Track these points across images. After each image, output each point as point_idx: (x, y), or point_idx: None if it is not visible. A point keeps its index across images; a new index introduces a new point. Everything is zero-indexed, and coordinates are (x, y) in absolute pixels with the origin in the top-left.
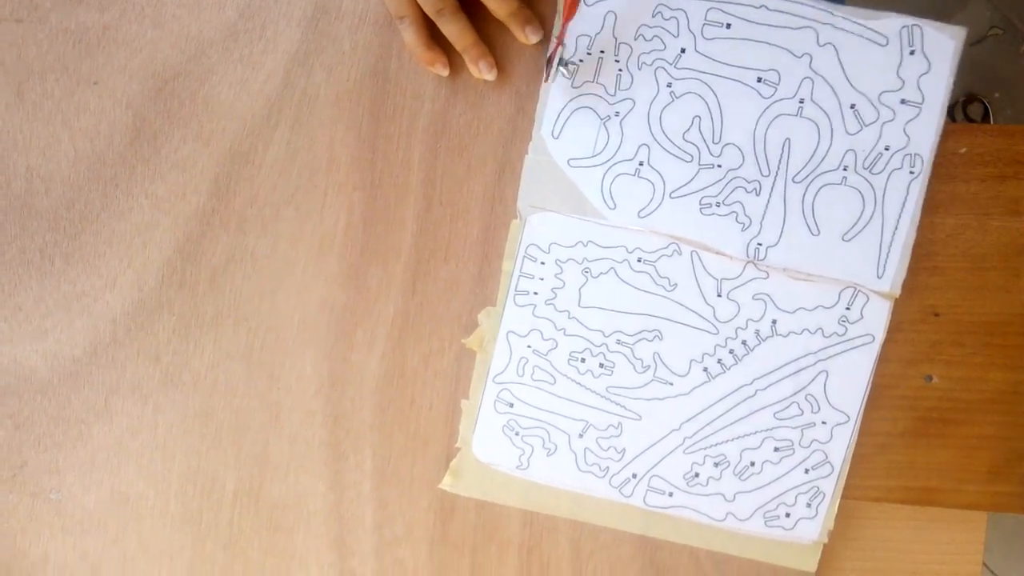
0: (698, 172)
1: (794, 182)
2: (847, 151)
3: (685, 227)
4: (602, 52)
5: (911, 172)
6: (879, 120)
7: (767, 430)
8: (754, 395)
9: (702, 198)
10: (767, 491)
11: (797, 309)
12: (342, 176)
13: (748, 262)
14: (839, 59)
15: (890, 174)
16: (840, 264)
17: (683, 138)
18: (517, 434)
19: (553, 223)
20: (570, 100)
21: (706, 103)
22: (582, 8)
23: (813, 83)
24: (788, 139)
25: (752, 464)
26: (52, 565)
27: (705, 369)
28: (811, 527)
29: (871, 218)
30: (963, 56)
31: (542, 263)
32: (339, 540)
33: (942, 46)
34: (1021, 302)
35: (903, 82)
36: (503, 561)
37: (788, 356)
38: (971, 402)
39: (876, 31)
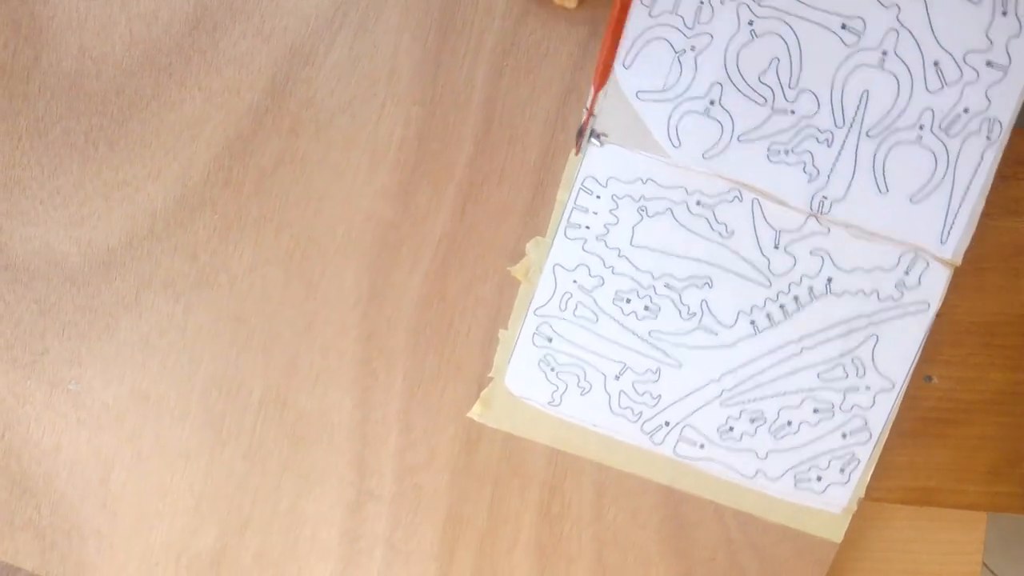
0: (770, 117)
1: (867, 136)
2: (925, 109)
3: (750, 173)
4: None
5: (988, 138)
6: (962, 80)
7: (809, 390)
8: (800, 353)
9: (771, 144)
10: (801, 452)
11: (855, 269)
12: (402, 88)
13: (810, 215)
14: (928, 13)
15: (966, 138)
16: (904, 226)
17: (759, 79)
18: (552, 370)
19: (614, 156)
20: (647, 29)
21: (787, 45)
22: None
23: (898, 35)
24: (867, 91)
25: (789, 423)
26: (64, 457)
27: (752, 322)
28: (841, 493)
29: (941, 181)
30: None
31: (597, 197)
32: (360, 459)
33: None
34: (1021, 302)
35: (991, 43)
36: (524, 497)
37: (840, 316)
38: (971, 402)
39: None
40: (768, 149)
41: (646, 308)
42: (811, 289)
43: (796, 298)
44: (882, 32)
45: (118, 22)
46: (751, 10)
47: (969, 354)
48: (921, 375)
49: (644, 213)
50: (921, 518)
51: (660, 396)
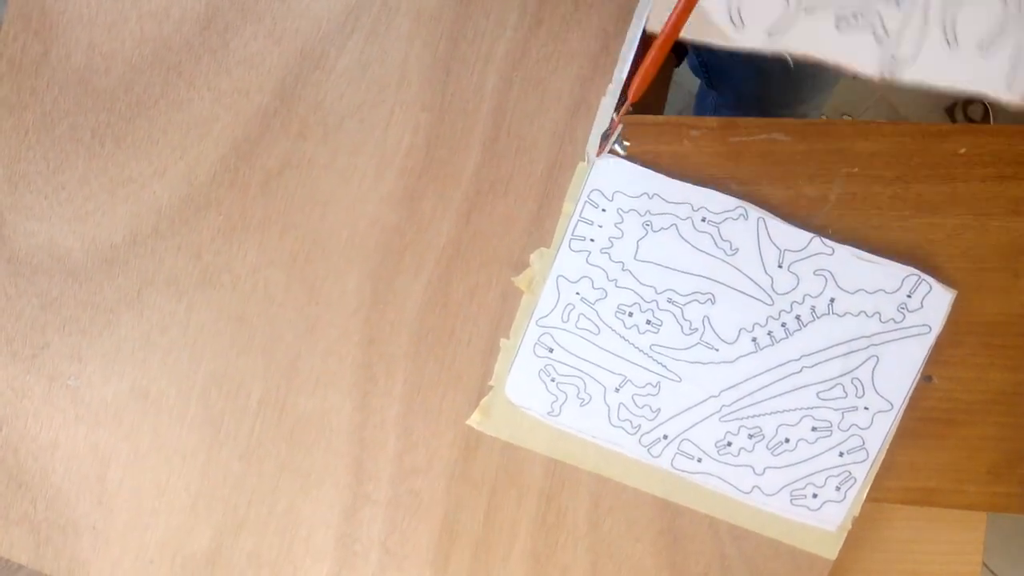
0: None
1: None
2: None
3: (819, 45)
4: None
5: None
6: None
7: (807, 408)
8: (800, 372)
9: (838, 11)
10: (798, 469)
11: (858, 290)
12: (412, 94)
13: (814, 236)
14: None
15: None
16: (975, 76)
17: None
18: (553, 380)
19: (621, 170)
20: None
21: None
22: None
23: None
24: None
25: (787, 440)
26: (61, 452)
27: (754, 339)
28: (837, 511)
29: (1005, 26)
30: None
31: (603, 210)
32: (358, 463)
33: None
34: (1021, 302)
35: None
36: (521, 505)
37: (841, 337)
38: (971, 402)
39: None
40: (836, 16)
41: (648, 322)
42: (813, 308)
43: (798, 317)
44: None
45: (129, 19)
46: None
47: (969, 354)
48: (958, 147)
49: (649, 228)
50: (921, 518)
51: (659, 409)
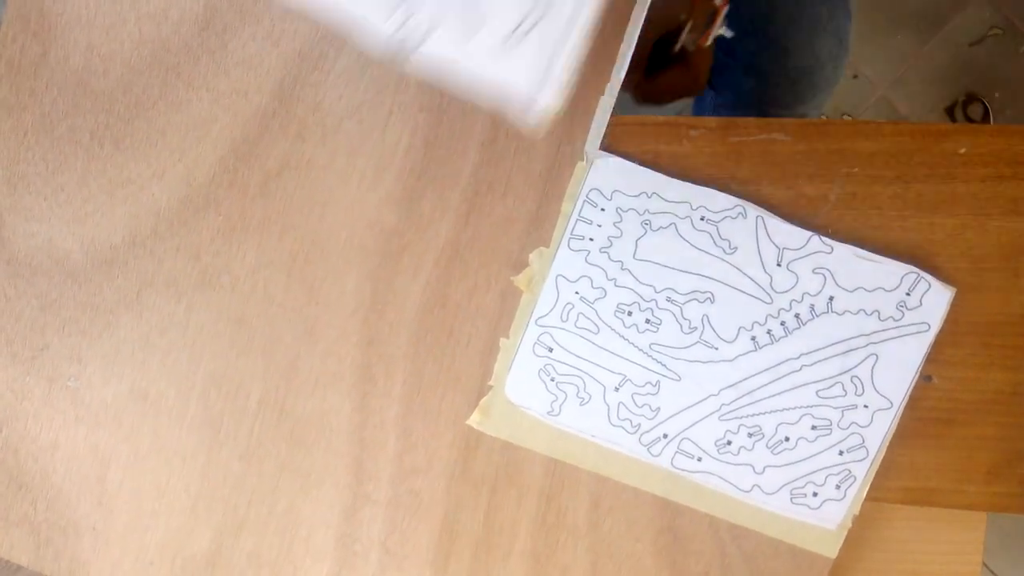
0: None
1: None
2: None
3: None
4: None
5: None
6: None
7: (807, 407)
8: (799, 370)
9: None
10: (798, 468)
11: (857, 288)
12: (410, 95)
13: (813, 235)
14: None
15: None
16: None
17: None
18: (552, 380)
19: (620, 170)
20: None
21: None
22: None
23: None
24: None
25: (787, 439)
26: (61, 453)
27: (753, 338)
28: (837, 509)
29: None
30: (963, 56)
31: (602, 209)
32: (358, 463)
33: None
34: (1021, 302)
35: None
36: (520, 505)
37: (840, 335)
38: (971, 402)
39: None
40: None
41: (647, 321)
42: (812, 307)
43: (797, 315)
44: None
45: (127, 20)
46: None
47: (969, 354)
48: (958, 147)
49: (648, 227)
50: (921, 518)
51: (659, 409)
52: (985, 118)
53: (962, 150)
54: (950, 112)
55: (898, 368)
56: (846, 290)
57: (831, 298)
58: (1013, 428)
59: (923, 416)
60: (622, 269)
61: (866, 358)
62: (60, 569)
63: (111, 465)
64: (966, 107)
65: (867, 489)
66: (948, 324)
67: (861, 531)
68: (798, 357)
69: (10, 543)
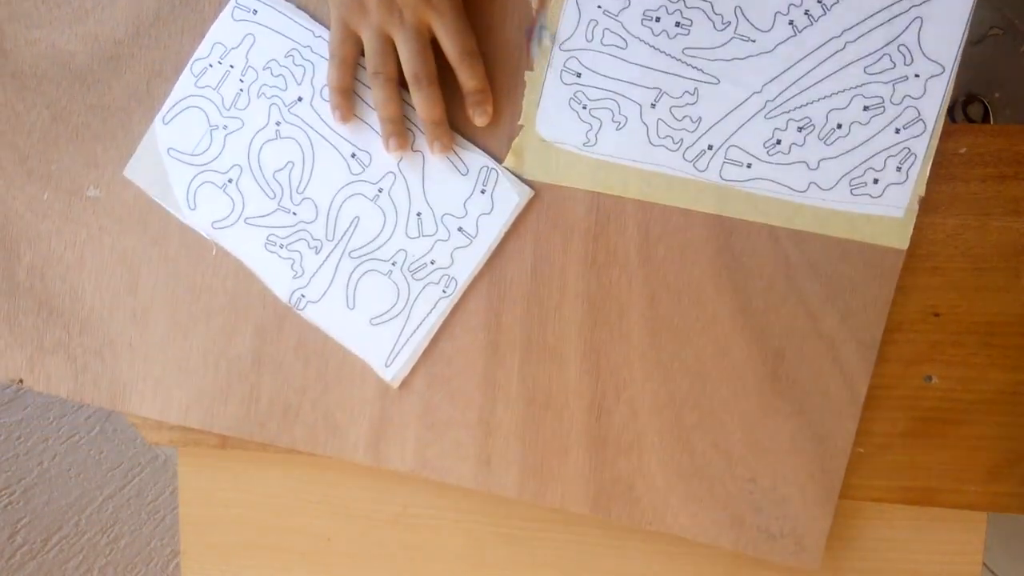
0: (275, 211)
1: (350, 256)
2: (400, 250)
3: (247, 254)
4: (231, 66)
5: (444, 291)
6: (436, 236)
7: (856, 87)
8: (843, 48)
9: (270, 235)
10: (854, 155)
11: None
12: None
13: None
14: (423, 169)
15: (426, 285)
16: (360, 342)
17: (273, 176)
18: (584, 107)
19: None
20: (188, 96)
21: (303, 155)
22: (226, 20)
23: (395, 179)
24: (358, 217)
25: (839, 126)
26: (88, 268)
27: (791, 22)
28: (901, 193)
29: (398, 314)
30: (963, 56)
31: None
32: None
33: (507, 196)
34: (1021, 302)
35: (466, 212)
36: (567, 249)
37: (881, 2)
38: (971, 402)
39: (462, 160)
40: (267, 238)
41: (677, 24)
42: None
43: None
44: (382, 172)
45: None
46: (281, 112)
47: (969, 354)
48: (958, 147)
49: None
50: (921, 518)
51: (700, 119)
52: (985, 118)
53: (962, 150)
54: (950, 112)
55: (947, 25)
56: None
57: None
58: (1013, 428)
59: (923, 416)
60: None
61: (912, 22)
62: (100, 395)
63: (141, 272)
64: (966, 107)
65: (930, 166)
66: (948, 324)
67: (861, 531)
68: (840, 34)
69: (47, 374)
